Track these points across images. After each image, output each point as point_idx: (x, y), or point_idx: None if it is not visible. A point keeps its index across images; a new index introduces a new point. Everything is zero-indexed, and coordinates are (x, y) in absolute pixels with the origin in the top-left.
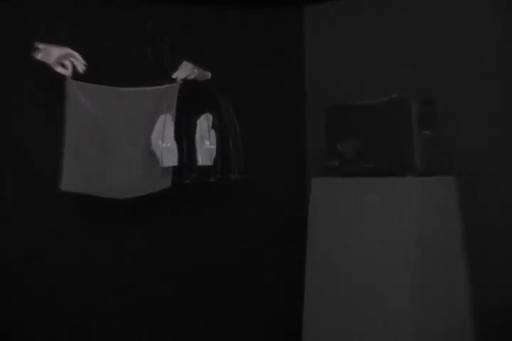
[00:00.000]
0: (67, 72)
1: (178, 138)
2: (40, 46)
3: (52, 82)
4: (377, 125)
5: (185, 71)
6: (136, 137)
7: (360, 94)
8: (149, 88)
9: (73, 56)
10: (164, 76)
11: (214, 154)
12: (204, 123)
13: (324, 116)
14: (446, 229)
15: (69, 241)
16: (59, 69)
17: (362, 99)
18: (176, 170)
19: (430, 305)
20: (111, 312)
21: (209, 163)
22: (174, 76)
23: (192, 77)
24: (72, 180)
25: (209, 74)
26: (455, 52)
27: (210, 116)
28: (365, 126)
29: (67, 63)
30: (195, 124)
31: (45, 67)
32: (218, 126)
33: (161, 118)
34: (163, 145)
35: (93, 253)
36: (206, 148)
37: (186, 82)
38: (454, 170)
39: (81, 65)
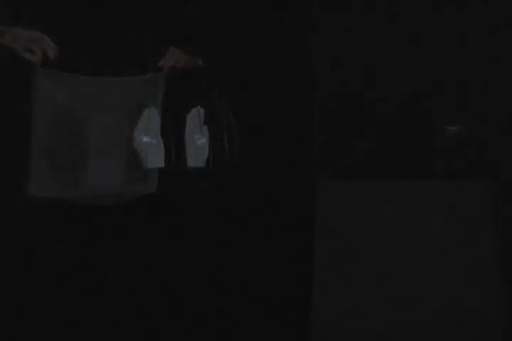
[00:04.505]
0: (36, 59)
1: (164, 136)
2: (4, 28)
3: (17, 70)
4: (396, 120)
5: (173, 58)
6: (116, 134)
7: (378, 85)
8: (131, 78)
9: (43, 40)
10: (148, 63)
11: (206, 154)
12: (195, 119)
13: (335, 109)
14: (477, 241)
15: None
16: (27, 56)
17: (379, 91)
18: (162, 173)
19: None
20: None
21: (201, 164)
22: (160, 64)
23: (180, 65)
24: (42, 183)
25: (200, 62)
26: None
27: (202, 111)
28: (382, 121)
29: (36, 48)
30: (185, 120)
31: (8, 53)
32: (211, 122)
33: (145, 112)
34: (148, 143)
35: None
36: (197, 147)
37: (174, 71)
38: (490, 172)
39: (52, 51)
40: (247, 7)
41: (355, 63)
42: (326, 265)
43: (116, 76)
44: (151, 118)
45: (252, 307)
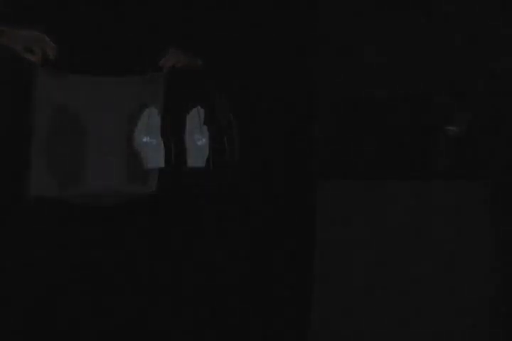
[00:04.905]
0: (36, 59)
1: (164, 136)
2: (4, 28)
3: (17, 70)
4: (396, 120)
5: (173, 58)
6: (116, 134)
7: (378, 85)
8: (131, 78)
9: (43, 40)
10: (148, 63)
11: (206, 154)
12: (195, 119)
13: (335, 110)
14: (476, 242)
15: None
16: (27, 56)
17: (378, 91)
18: (162, 173)
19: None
20: None
21: (201, 164)
22: (160, 64)
23: (180, 65)
24: (42, 183)
25: (200, 62)
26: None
27: (202, 111)
28: (383, 121)
29: (36, 48)
30: (185, 120)
31: (8, 53)
32: (211, 122)
33: (145, 112)
34: (148, 143)
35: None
36: (197, 147)
37: (174, 71)
38: (490, 172)
39: (52, 51)
40: (247, 7)
41: (355, 63)
42: (326, 265)
43: (116, 76)
44: (151, 118)
45: (252, 307)
